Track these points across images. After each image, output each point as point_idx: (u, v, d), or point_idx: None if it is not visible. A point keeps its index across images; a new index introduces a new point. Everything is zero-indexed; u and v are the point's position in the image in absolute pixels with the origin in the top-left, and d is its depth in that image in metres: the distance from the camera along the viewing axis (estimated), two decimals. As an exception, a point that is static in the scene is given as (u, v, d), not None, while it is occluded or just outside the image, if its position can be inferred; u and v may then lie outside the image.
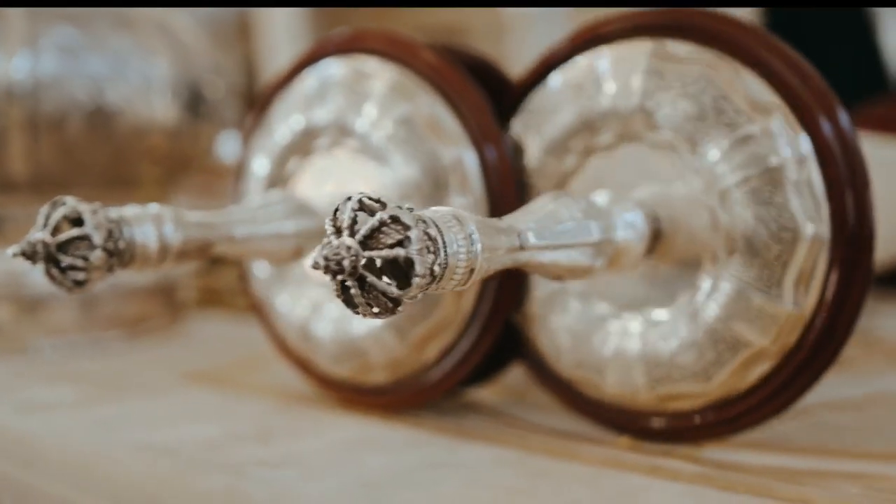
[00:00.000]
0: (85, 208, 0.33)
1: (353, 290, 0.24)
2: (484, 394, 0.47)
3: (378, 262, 0.24)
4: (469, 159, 0.40)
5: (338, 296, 0.25)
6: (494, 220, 0.29)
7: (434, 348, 0.42)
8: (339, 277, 0.24)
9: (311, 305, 0.45)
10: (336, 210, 0.25)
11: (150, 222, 0.35)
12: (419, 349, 0.42)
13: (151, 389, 0.52)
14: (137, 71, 0.61)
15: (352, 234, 0.24)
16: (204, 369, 0.55)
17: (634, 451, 0.37)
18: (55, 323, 0.62)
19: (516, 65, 0.46)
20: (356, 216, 0.24)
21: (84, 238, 0.33)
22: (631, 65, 0.36)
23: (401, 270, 0.24)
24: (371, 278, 0.24)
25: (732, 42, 0.35)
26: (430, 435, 0.41)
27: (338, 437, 0.41)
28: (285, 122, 0.45)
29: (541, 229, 0.30)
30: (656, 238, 0.36)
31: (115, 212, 0.34)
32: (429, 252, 0.24)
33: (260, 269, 0.47)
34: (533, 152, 0.39)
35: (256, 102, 0.48)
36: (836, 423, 0.41)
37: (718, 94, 0.35)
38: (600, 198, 0.35)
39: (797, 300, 0.34)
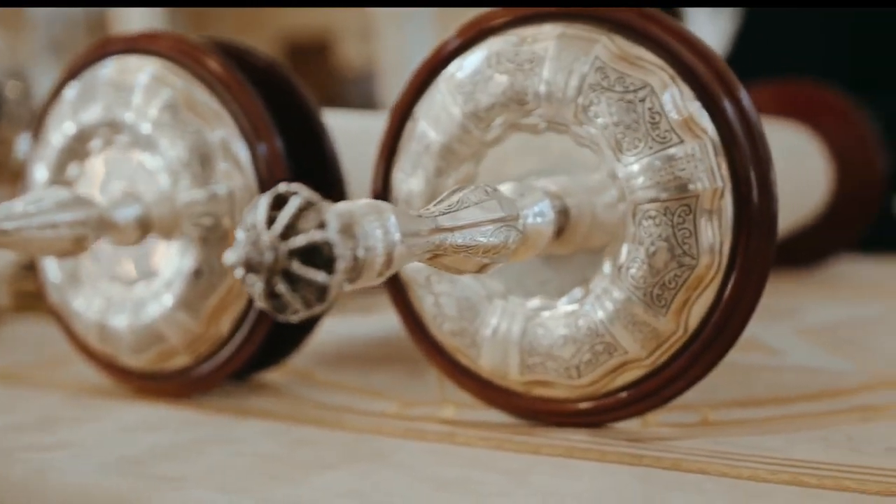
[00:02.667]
0: None
1: (279, 287, 0.24)
2: (272, 376, 0.49)
3: (296, 261, 0.24)
4: (240, 149, 0.42)
5: (262, 296, 0.24)
6: (407, 210, 0.29)
7: (227, 320, 0.43)
8: (264, 275, 0.24)
9: (105, 300, 0.46)
10: (249, 210, 0.25)
11: None
12: (212, 322, 0.43)
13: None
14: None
15: (268, 228, 0.24)
16: None
17: (396, 418, 0.41)
18: None
19: (385, 64, 0.48)
20: (271, 211, 0.24)
21: None
22: (576, 53, 0.36)
23: (321, 259, 0.24)
24: (298, 268, 0.24)
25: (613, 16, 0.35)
26: (211, 415, 0.43)
27: (120, 421, 0.43)
28: (59, 129, 0.46)
29: (454, 216, 0.29)
30: (561, 230, 0.36)
31: None
32: (349, 236, 0.24)
33: (54, 275, 0.48)
34: (455, 117, 0.38)
35: (37, 112, 0.49)
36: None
37: (655, 107, 0.34)
38: (507, 188, 0.34)
39: (681, 321, 0.35)
